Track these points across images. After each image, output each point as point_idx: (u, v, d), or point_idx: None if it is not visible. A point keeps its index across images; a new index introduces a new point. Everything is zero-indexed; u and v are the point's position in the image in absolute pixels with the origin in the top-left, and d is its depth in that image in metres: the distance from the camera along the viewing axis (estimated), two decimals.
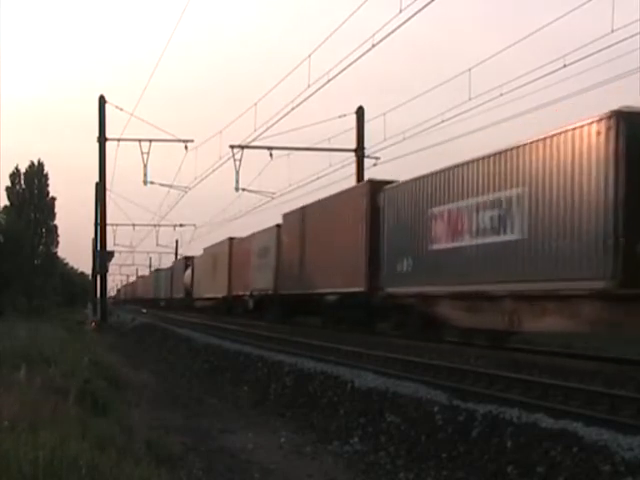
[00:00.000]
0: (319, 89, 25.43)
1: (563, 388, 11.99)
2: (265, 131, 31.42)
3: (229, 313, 45.89)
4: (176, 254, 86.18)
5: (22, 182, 63.71)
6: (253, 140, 33.22)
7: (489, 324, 19.02)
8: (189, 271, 63.84)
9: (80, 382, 11.64)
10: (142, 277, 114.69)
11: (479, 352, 17.47)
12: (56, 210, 65.33)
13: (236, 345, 21.48)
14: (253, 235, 41.97)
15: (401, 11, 17.85)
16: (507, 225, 18.03)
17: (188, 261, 66.32)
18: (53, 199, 65.04)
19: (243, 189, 36.77)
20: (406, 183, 23.39)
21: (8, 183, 62.97)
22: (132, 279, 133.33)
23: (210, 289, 52.33)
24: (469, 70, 23.94)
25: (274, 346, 20.76)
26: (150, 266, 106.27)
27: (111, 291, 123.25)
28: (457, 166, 20.37)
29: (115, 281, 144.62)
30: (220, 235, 53.58)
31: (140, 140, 37.15)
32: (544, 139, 16.80)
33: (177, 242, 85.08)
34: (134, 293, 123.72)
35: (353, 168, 35.91)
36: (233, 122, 48.34)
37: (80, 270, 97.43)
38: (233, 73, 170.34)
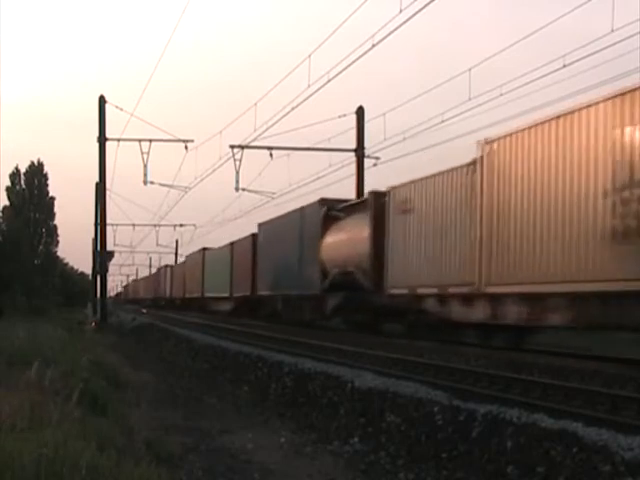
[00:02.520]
0: (319, 89, 25.41)
1: (563, 388, 11.98)
2: (265, 131, 31.38)
3: None
4: (176, 254, 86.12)
5: (22, 182, 63.82)
6: (253, 140, 33.21)
7: None
8: (337, 234, 28.05)
9: (80, 382, 11.64)
10: (169, 267, 79.06)
11: (479, 352, 17.46)
12: (56, 210, 65.49)
13: (236, 345, 21.48)
14: None
15: (401, 11, 17.84)
16: None
17: (341, 209, 28.86)
18: (53, 199, 65.16)
19: (243, 189, 36.32)
20: None
21: (8, 183, 63.15)
22: (142, 274, 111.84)
23: None
24: (469, 70, 23.93)
25: (274, 346, 20.76)
26: (150, 266, 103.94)
27: (112, 291, 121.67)
28: None
29: (115, 281, 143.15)
30: (221, 235, 50.65)
31: (140, 140, 37.16)
32: None
33: (177, 242, 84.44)
34: (153, 291, 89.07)
35: (353, 168, 35.94)
36: (233, 122, 48.44)
37: (80, 270, 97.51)
38: (233, 73, 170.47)
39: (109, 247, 41.27)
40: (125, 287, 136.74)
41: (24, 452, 6.08)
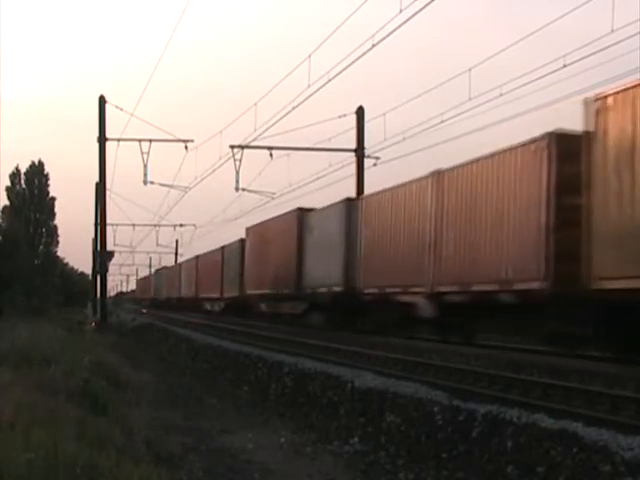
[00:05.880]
0: (319, 89, 25.38)
1: (563, 388, 11.98)
2: (265, 131, 31.36)
3: None
4: (176, 254, 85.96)
5: (22, 182, 63.90)
6: (253, 140, 33.18)
7: None
8: None
9: (80, 382, 11.66)
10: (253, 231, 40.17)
11: (479, 352, 17.45)
12: (56, 210, 65.53)
13: (236, 345, 21.47)
14: None
15: (401, 11, 17.83)
16: None
17: None
18: (53, 199, 65.25)
19: (243, 189, 36.36)
20: None
21: (8, 183, 63.20)
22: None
23: None
24: (469, 70, 23.93)
25: (274, 346, 20.75)
26: (150, 266, 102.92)
27: (112, 291, 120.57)
28: None
29: (115, 281, 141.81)
30: (221, 235, 49.97)
31: (140, 140, 37.11)
32: None
33: (177, 242, 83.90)
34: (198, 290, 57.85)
35: (353, 168, 35.89)
36: (233, 122, 48.39)
37: (80, 270, 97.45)
38: (233, 73, 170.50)
39: (109, 247, 41.26)
40: (143, 280, 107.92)
41: (22, 452, 6.08)
